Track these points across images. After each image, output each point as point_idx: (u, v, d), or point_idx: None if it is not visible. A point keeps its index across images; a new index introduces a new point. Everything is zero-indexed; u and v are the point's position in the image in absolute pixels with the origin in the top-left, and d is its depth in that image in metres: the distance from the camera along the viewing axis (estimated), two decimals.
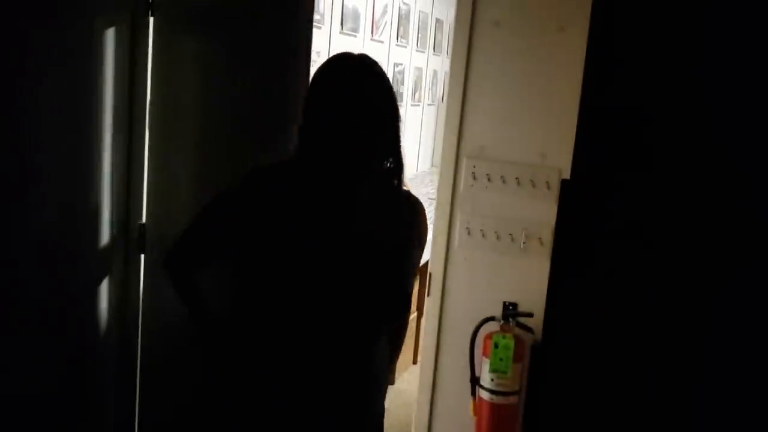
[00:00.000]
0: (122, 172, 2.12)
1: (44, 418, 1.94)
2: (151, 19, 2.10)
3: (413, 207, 1.70)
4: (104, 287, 2.13)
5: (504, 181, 2.26)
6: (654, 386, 2.24)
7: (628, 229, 2.20)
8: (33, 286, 1.85)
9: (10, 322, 1.78)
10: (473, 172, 2.28)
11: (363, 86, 1.57)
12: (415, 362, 4.32)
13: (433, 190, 5.40)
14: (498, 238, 2.29)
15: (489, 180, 2.27)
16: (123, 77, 2.06)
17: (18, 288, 1.80)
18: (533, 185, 2.24)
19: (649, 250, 2.20)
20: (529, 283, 2.27)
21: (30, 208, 1.84)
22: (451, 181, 2.31)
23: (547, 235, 2.25)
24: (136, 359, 2.26)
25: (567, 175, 2.21)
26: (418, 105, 6.33)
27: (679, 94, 2.14)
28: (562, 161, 2.21)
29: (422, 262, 4.05)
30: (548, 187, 2.24)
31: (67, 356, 1.99)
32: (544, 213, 2.25)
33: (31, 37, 1.74)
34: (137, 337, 2.25)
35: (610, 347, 2.26)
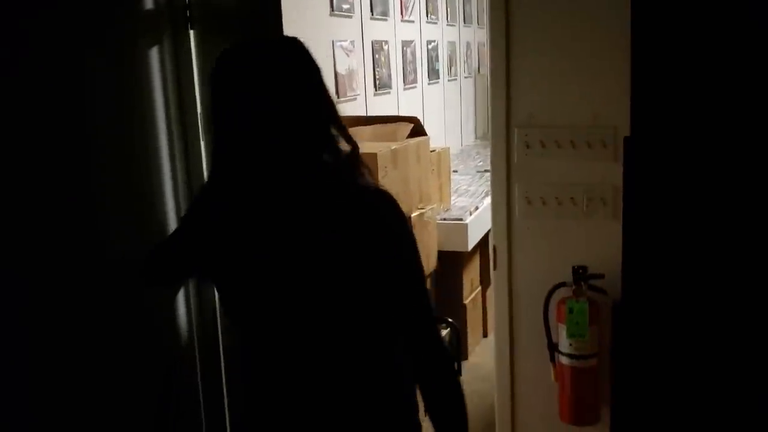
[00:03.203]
0: (183, 179, 2.18)
1: (132, 418, 2.02)
2: (191, 33, 2.14)
3: (371, 204, 1.39)
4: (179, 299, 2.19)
5: (559, 146, 2.24)
6: (742, 339, 2.20)
7: (699, 181, 2.15)
8: (100, 299, 1.92)
9: (89, 328, 1.86)
10: (526, 141, 2.27)
11: (249, 72, 1.37)
12: (485, 335, 4.33)
13: (481, 163, 5.39)
14: (559, 203, 2.27)
15: (543, 146, 2.25)
16: (171, 91, 2.12)
17: (93, 302, 1.87)
18: (589, 146, 2.22)
19: (724, 199, 2.14)
20: (595, 244, 2.26)
21: (98, 223, 1.90)
22: (505, 153, 2.30)
23: (609, 194, 2.23)
24: (220, 358, 2.32)
25: (624, 132, 2.17)
26: (455, 79, 6.28)
27: (735, 38, 2.07)
28: (616, 119, 2.17)
29: (482, 235, 3.96)
30: (604, 146, 2.21)
31: (151, 358, 2.07)
32: (604, 172, 2.22)
33: (82, 59, 1.80)
34: (218, 337, 2.31)
35: (695, 302, 2.22)
